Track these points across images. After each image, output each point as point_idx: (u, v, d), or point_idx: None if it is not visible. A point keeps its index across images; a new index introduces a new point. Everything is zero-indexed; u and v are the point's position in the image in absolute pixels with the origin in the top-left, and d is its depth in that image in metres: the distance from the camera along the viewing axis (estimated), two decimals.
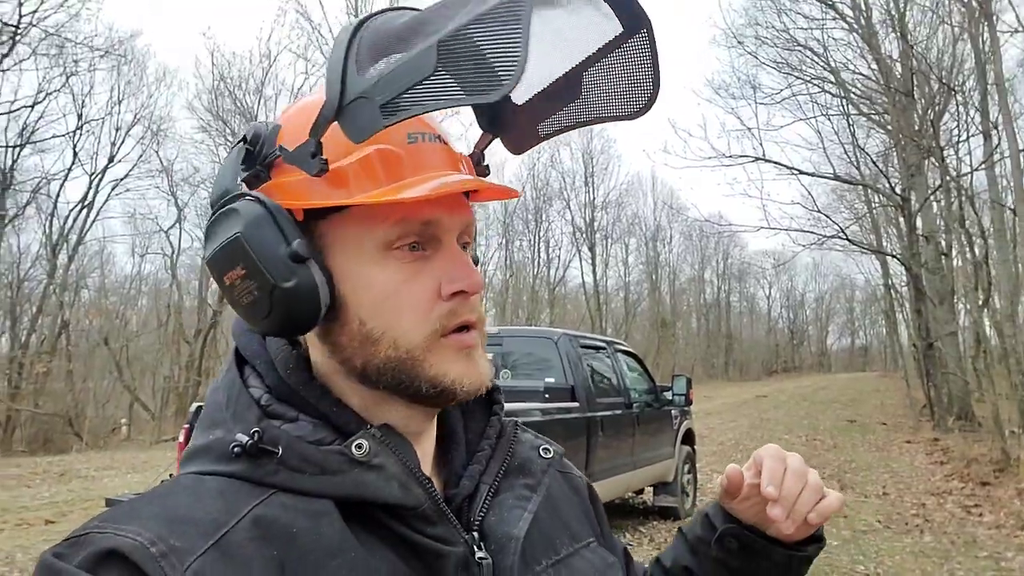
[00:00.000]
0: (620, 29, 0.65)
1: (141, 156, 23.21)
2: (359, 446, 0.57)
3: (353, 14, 20.04)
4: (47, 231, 22.87)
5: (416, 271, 0.59)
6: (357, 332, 0.59)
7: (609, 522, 0.80)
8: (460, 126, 11.70)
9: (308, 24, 21.13)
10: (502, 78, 0.50)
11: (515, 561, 0.62)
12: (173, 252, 24.57)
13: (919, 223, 15.89)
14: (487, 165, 0.70)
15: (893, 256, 18.78)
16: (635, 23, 0.65)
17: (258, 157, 0.60)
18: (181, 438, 4.85)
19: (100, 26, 21.67)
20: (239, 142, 0.62)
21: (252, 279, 0.57)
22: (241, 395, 0.61)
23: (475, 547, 0.61)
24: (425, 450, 0.65)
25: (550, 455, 0.72)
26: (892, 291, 23.26)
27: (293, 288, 0.56)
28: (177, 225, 24.24)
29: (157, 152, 23.29)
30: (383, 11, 0.59)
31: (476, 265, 0.70)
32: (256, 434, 0.55)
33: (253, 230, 0.57)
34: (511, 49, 0.50)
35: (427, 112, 0.54)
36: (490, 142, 0.71)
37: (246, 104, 20.09)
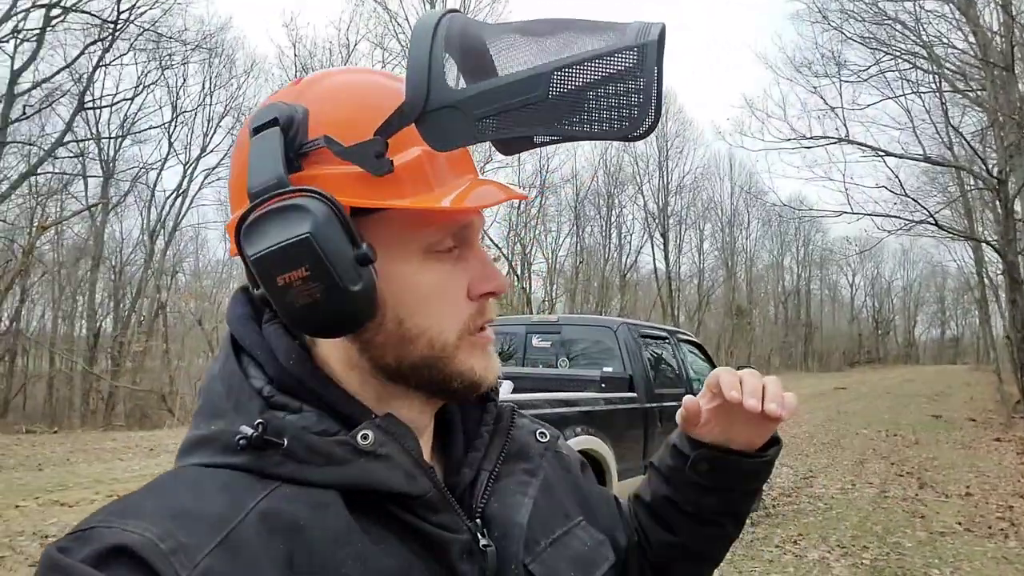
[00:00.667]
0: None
1: (231, 146, 24.28)
2: (364, 436, 0.58)
3: (429, 3, 20.31)
4: (146, 218, 24.45)
5: (452, 272, 0.62)
6: (394, 331, 0.60)
7: (758, 491, 0.87)
8: None
9: (386, 13, 21.44)
10: (631, 127, 0.52)
11: (519, 547, 0.64)
12: None
13: (1017, 207, 14.86)
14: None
15: (987, 243, 17.64)
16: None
17: (291, 144, 0.58)
18: None
19: (191, 20, 22.58)
20: (269, 124, 0.58)
21: (317, 281, 0.54)
22: (242, 385, 0.60)
23: (479, 534, 0.63)
24: (426, 439, 0.67)
25: (547, 439, 0.76)
26: (986, 280, 21.90)
27: (359, 291, 0.55)
28: None
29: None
30: (456, 10, 0.59)
31: None
32: (261, 425, 0.55)
33: (324, 230, 0.54)
34: (643, 101, 0.51)
35: (525, 135, 0.55)
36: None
37: None
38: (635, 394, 5.38)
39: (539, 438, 0.75)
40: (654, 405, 5.54)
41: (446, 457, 0.69)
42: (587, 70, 0.51)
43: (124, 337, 21.93)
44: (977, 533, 6.44)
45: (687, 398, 0.82)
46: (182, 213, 24.53)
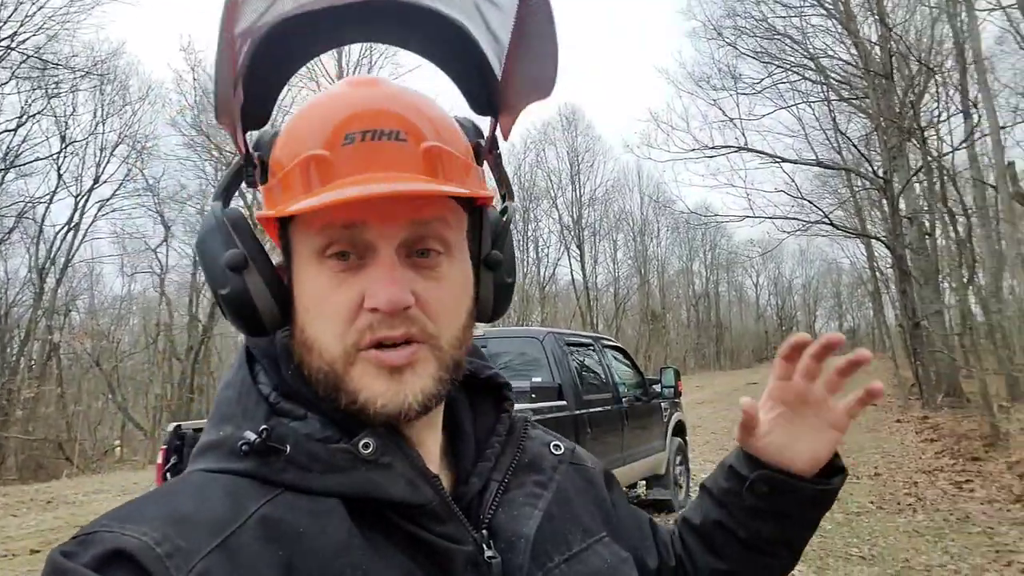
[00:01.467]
0: None
1: (127, 175, 22.99)
2: (365, 445, 0.57)
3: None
4: (33, 255, 22.70)
5: (341, 281, 0.58)
6: (299, 337, 0.61)
7: (815, 522, 0.80)
8: None
9: None
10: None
11: (525, 560, 0.61)
12: (162, 270, 24.45)
13: (902, 204, 15.99)
14: (498, 154, 0.70)
15: (877, 238, 18.91)
16: None
17: (250, 161, 0.63)
18: (159, 459, 4.78)
19: (79, 46, 21.28)
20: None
21: (207, 282, 0.62)
22: (251, 391, 0.61)
23: (484, 546, 0.61)
24: (432, 447, 0.64)
25: (560, 451, 0.73)
26: (877, 273, 23.45)
27: (226, 295, 0.60)
28: (165, 243, 24.10)
29: (142, 171, 23.13)
30: None
31: (499, 267, 0.69)
32: (265, 431, 0.56)
33: (205, 240, 0.61)
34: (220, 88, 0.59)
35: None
36: (495, 126, 0.70)
37: None
38: (565, 402, 5.40)
39: (553, 450, 0.72)
40: (584, 412, 5.57)
41: (456, 466, 0.67)
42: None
43: (13, 384, 20.28)
44: (888, 510, 6.82)
45: (745, 400, 0.74)
46: (74, 248, 22.89)
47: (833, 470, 0.77)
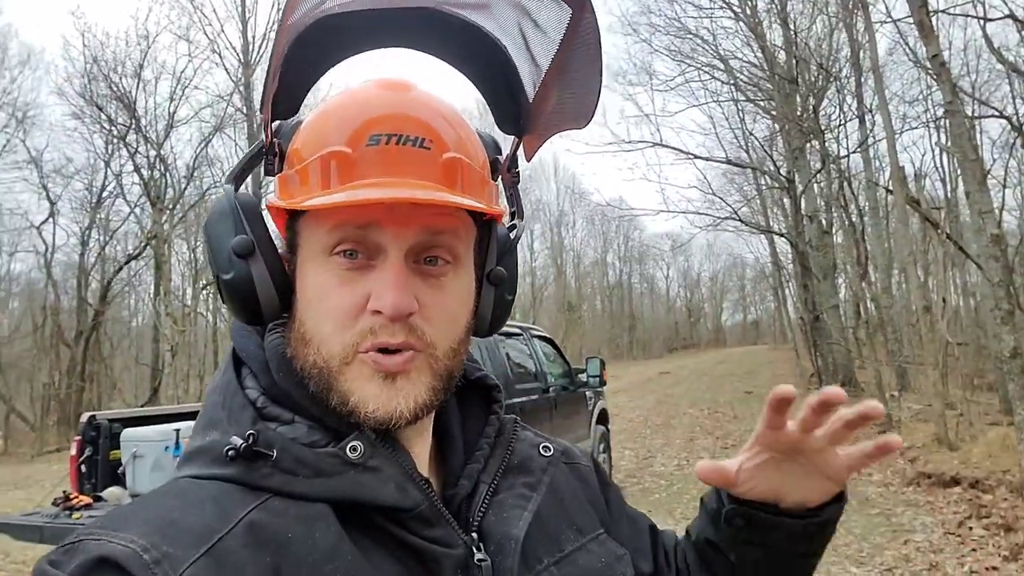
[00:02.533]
0: (570, 12, 0.62)
1: (5, 146, 21.17)
2: (353, 448, 0.57)
3: None
4: None
5: (348, 279, 0.58)
6: (297, 331, 0.60)
7: (810, 559, 0.73)
8: None
9: (190, 4, 19.60)
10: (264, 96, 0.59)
11: (515, 562, 0.61)
12: (47, 249, 22.61)
13: (803, 203, 16.90)
14: (518, 171, 0.70)
15: (780, 235, 19.93)
16: (580, 5, 0.61)
17: (272, 149, 0.63)
18: (73, 451, 4.48)
19: None
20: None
21: (211, 265, 0.62)
22: (236, 396, 0.60)
23: (474, 548, 0.60)
24: (421, 451, 0.64)
25: (550, 453, 0.72)
26: (780, 268, 24.69)
27: (229, 280, 0.60)
28: (51, 220, 22.23)
29: (24, 141, 21.33)
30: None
31: (502, 283, 0.68)
32: (251, 436, 0.55)
33: (213, 222, 0.62)
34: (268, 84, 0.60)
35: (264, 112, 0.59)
36: (518, 145, 0.71)
37: (123, 88, 18.48)
38: None
39: (542, 452, 0.72)
40: (515, 401, 5.59)
41: (444, 469, 0.66)
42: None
43: None
44: None
45: (712, 465, 0.67)
46: None
47: (831, 500, 0.69)
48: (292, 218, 0.62)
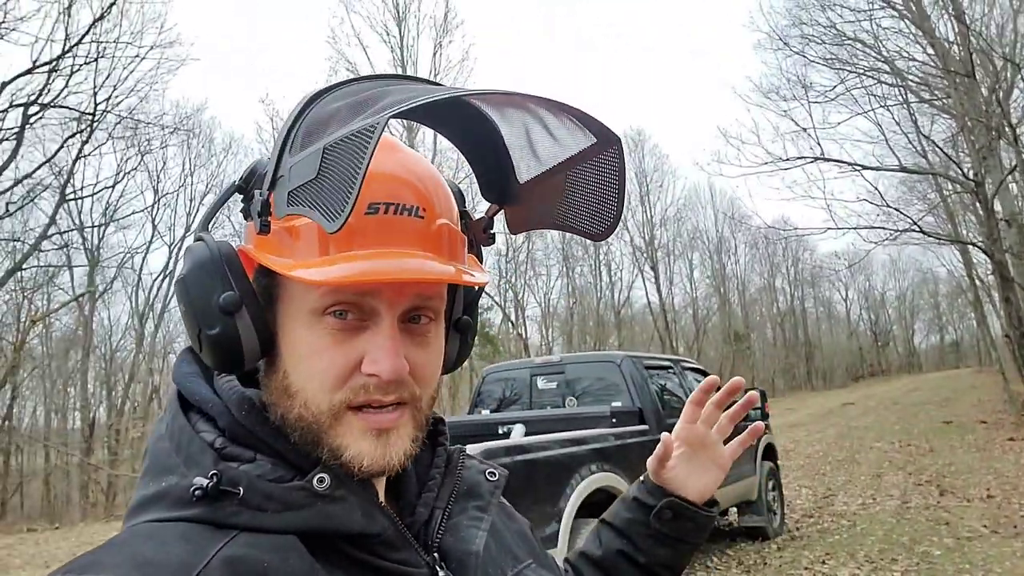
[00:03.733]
0: (595, 141, 0.68)
1: (213, 223, 24.40)
2: (320, 480, 0.58)
3: (401, 67, 20.68)
4: (134, 302, 24.36)
5: (340, 340, 0.59)
6: (280, 382, 0.61)
7: (698, 547, 0.95)
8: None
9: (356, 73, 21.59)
10: (338, 211, 0.51)
11: (477, 575, 0.66)
12: None
13: (997, 207, 15.06)
14: (493, 233, 0.73)
15: (973, 244, 17.82)
16: (606, 142, 0.68)
17: (248, 193, 0.63)
18: None
19: (167, 104, 23.01)
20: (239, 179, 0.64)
21: (189, 318, 0.61)
22: (192, 440, 0.60)
23: (437, 567, 0.64)
24: (379, 481, 0.67)
25: (496, 478, 0.76)
26: (977, 281, 22.04)
27: (215, 336, 0.60)
28: None
29: (229, 218, 24.43)
30: (340, 84, 0.61)
31: (468, 331, 0.76)
32: (215, 476, 0.56)
33: (194, 274, 0.61)
34: (350, 181, 0.51)
35: (307, 215, 0.54)
36: (496, 211, 0.75)
37: None
38: (647, 426, 5.31)
39: (488, 477, 0.75)
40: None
41: (398, 501, 0.70)
42: (338, 148, 0.52)
43: (119, 425, 21.59)
44: (1003, 534, 6.33)
45: (665, 435, 0.91)
46: (171, 294, 24.49)
47: (709, 503, 0.92)
48: (269, 269, 0.62)
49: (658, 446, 0.90)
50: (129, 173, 23.11)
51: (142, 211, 24.39)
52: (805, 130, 16.85)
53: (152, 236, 24.97)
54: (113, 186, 22.67)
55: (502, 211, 0.75)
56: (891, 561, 5.72)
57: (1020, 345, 14.48)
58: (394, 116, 0.54)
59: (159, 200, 24.78)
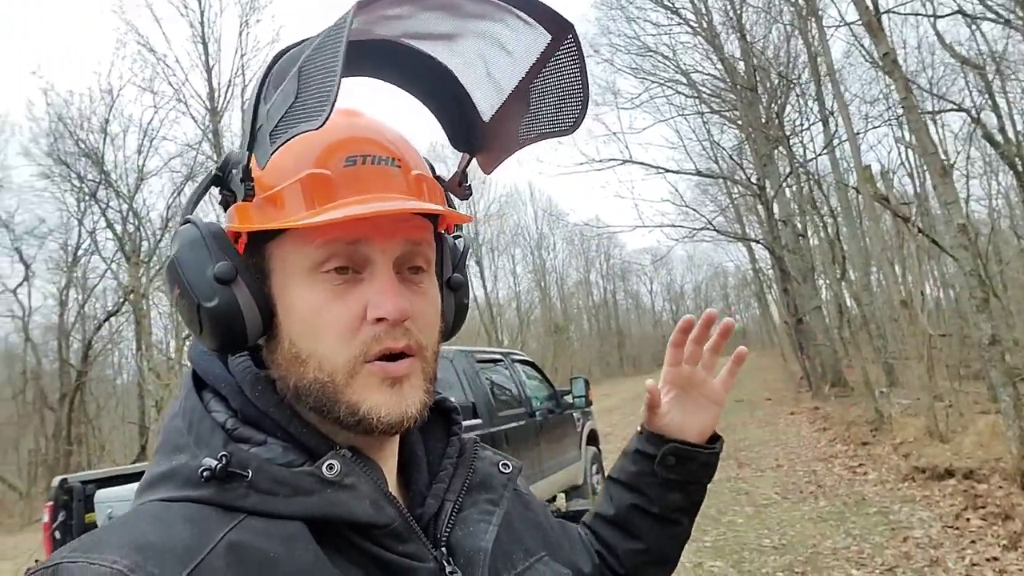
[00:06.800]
0: (549, 37, 0.67)
1: None
2: (330, 466, 0.58)
3: (200, 41, 19.02)
4: None
5: (341, 293, 0.60)
6: (288, 352, 0.61)
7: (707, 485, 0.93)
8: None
9: (152, 55, 19.42)
10: (322, 105, 0.52)
11: (484, 572, 0.64)
12: (25, 313, 22.22)
13: (776, 208, 17.08)
14: (468, 186, 0.74)
15: (757, 241, 20.11)
16: (560, 31, 0.67)
17: (226, 180, 0.64)
18: (46, 517, 4.32)
19: None
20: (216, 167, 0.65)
21: (184, 298, 0.61)
22: (204, 420, 0.60)
23: (444, 562, 0.63)
24: (390, 470, 0.67)
25: (509, 470, 0.75)
26: (760, 274, 24.88)
27: (214, 308, 0.59)
28: (26, 283, 21.90)
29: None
30: (299, 42, 0.60)
31: (460, 288, 0.75)
32: (225, 457, 0.55)
33: (186, 252, 0.61)
34: (328, 80, 0.51)
35: (295, 136, 0.55)
36: (468, 162, 0.75)
37: (90, 144, 18.35)
38: (480, 420, 5.30)
39: (502, 469, 0.74)
40: (500, 428, 5.50)
41: (409, 490, 0.69)
42: (313, 58, 0.55)
43: None
44: (793, 499, 7.14)
45: (649, 381, 0.90)
46: None
47: (713, 439, 0.92)
48: (255, 245, 0.63)
49: (646, 396, 0.89)
50: None
51: None
52: (615, 134, 18.05)
53: None
54: None
55: (473, 159, 0.75)
56: (702, 532, 6.20)
57: (796, 330, 16.53)
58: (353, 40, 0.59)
59: None
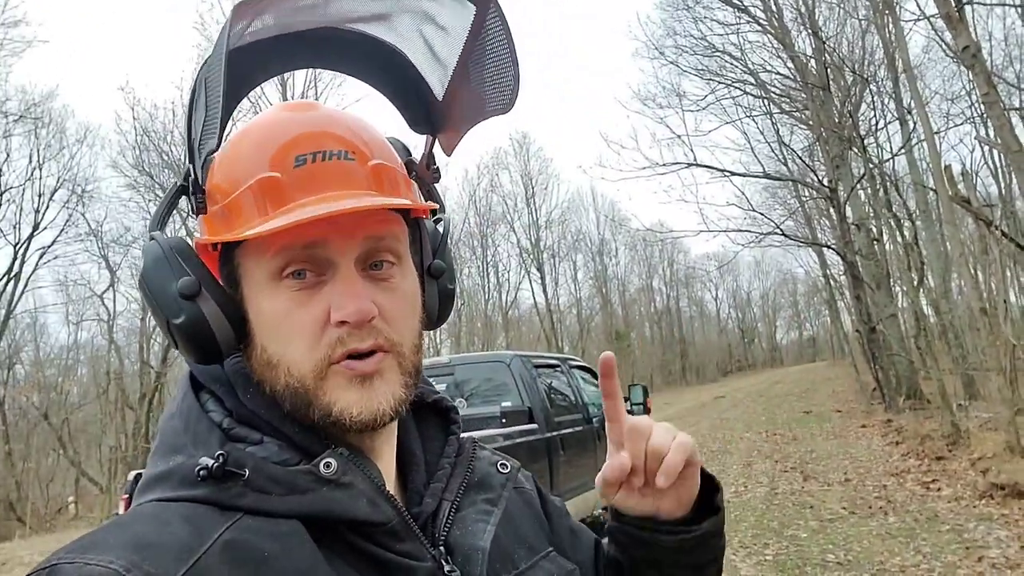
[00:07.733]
0: (473, 9, 0.66)
1: (68, 220, 22.32)
2: (327, 464, 0.58)
3: None
4: None
5: (303, 299, 0.59)
6: (261, 357, 0.61)
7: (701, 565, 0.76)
8: None
9: None
10: (213, 129, 0.59)
11: (483, 571, 0.63)
12: (109, 317, 23.59)
13: (849, 212, 16.43)
14: (437, 168, 0.73)
15: (828, 246, 19.39)
16: (481, 1, 0.66)
17: (190, 191, 0.64)
18: (121, 509, 4.58)
19: (11, 91, 20.62)
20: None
21: (157, 316, 0.61)
22: (200, 420, 0.60)
23: (443, 561, 0.62)
24: (388, 469, 0.66)
25: (508, 470, 0.74)
26: (831, 280, 24.00)
27: (182, 324, 0.59)
28: (111, 288, 23.28)
29: (84, 215, 22.44)
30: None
31: (442, 275, 0.73)
32: (221, 456, 0.55)
33: (150, 269, 0.61)
34: (213, 99, 0.58)
35: (212, 153, 0.59)
36: (432, 143, 0.74)
37: (173, 156, 19.37)
38: (536, 425, 5.31)
39: (500, 469, 0.74)
40: (555, 434, 5.48)
41: (407, 489, 0.68)
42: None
43: None
44: (860, 514, 6.86)
45: (607, 467, 0.72)
46: (15, 299, 22.01)
47: (706, 512, 0.74)
48: (226, 253, 0.63)
49: (598, 477, 0.73)
50: None
51: None
52: (679, 137, 17.71)
53: None
54: None
55: (436, 141, 0.74)
56: (763, 545, 6.03)
57: (869, 339, 15.86)
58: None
59: (1, 195, 22.25)
